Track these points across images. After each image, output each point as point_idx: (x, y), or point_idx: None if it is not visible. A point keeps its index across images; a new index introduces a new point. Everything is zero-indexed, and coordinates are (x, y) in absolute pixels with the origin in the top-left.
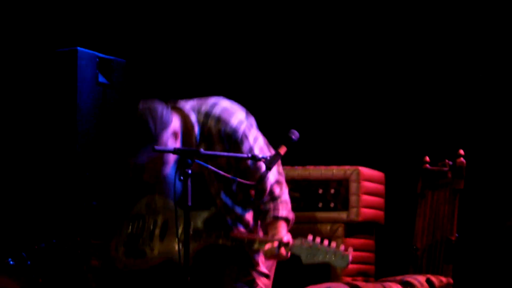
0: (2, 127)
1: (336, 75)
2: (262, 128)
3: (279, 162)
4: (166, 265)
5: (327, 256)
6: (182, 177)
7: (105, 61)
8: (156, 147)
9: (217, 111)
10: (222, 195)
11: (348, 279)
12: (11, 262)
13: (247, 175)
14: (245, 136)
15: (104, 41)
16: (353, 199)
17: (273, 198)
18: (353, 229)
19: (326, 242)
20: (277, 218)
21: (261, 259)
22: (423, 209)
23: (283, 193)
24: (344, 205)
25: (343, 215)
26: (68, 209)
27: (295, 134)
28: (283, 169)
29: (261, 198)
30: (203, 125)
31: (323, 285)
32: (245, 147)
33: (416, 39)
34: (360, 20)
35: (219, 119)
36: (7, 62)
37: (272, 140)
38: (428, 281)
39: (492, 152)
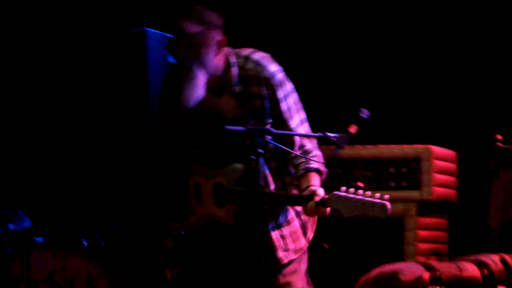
0: (78, 109)
1: (406, 55)
2: (331, 107)
3: (306, 120)
4: (211, 224)
5: (366, 207)
6: (253, 157)
7: (174, 41)
8: (227, 127)
9: (256, 56)
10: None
11: (422, 258)
12: (85, 243)
13: (279, 122)
14: (282, 82)
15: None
16: (425, 178)
17: (305, 151)
18: (426, 208)
19: (360, 192)
20: (309, 170)
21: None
22: (496, 187)
23: (315, 148)
24: (416, 184)
25: (415, 194)
26: (141, 190)
27: (365, 113)
28: (355, 148)
29: (292, 150)
30: (242, 67)
31: (397, 265)
32: (280, 94)
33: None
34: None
35: (258, 63)
36: (80, 45)
37: (343, 119)
38: (503, 260)
39: None
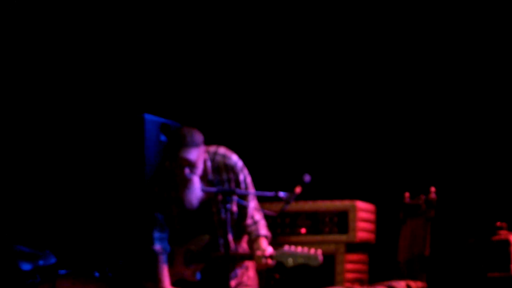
0: (89, 175)
1: (325, 117)
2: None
3: (255, 197)
4: (181, 283)
5: (303, 259)
6: (225, 210)
7: (165, 125)
8: (203, 188)
9: (221, 151)
10: (226, 222)
11: (348, 285)
12: (97, 274)
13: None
14: (242, 169)
15: (166, 109)
16: (351, 225)
17: (255, 221)
18: (352, 247)
19: (299, 248)
20: (259, 236)
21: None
22: (404, 232)
23: (262, 218)
24: (345, 229)
25: (344, 237)
26: (137, 238)
27: (307, 178)
28: (299, 204)
29: (244, 221)
30: (212, 159)
31: None
32: (241, 177)
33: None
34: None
35: (224, 155)
36: (88, 125)
37: (287, 181)
38: (408, 285)
39: (455, 190)
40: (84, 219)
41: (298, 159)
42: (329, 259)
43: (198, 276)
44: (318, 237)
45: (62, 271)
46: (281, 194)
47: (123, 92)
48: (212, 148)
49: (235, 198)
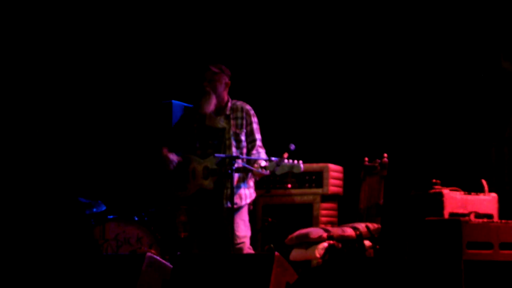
0: (132, 145)
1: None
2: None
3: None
4: (200, 191)
5: (289, 167)
6: (229, 171)
7: (187, 107)
8: (216, 155)
9: (240, 102)
10: (233, 147)
11: (323, 225)
12: (136, 218)
13: (249, 132)
14: (254, 115)
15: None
16: (325, 181)
17: (258, 152)
18: (325, 198)
19: (285, 160)
20: (259, 158)
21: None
22: (364, 186)
23: (263, 150)
24: (320, 184)
25: (320, 190)
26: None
27: (292, 146)
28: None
29: (250, 151)
30: (233, 103)
31: (307, 229)
32: (253, 119)
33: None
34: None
35: (243, 102)
36: (128, 109)
37: (277, 148)
38: (367, 226)
39: (402, 155)
40: (127, 177)
41: (285, 133)
42: (308, 207)
43: (213, 185)
44: (300, 190)
45: (110, 216)
46: (273, 158)
47: (159, 84)
48: (235, 100)
49: (239, 161)
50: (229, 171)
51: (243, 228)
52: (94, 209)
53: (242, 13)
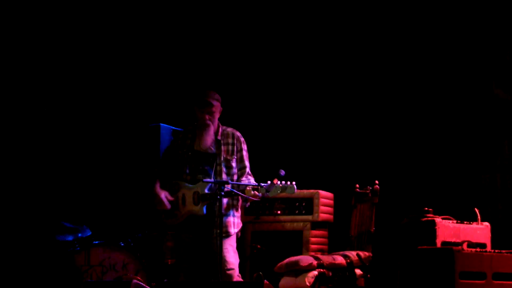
0: (118, 168)
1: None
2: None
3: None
4: (191, 217)
5: (282, 189)
6: (218, 196)
7: (175, 131)
8: (204, 180)
9: (230, 128)
10: (223, 174)
11: (313, 253)
12: (122, 244)
13: (239, 159)
14: (244, 142)
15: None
16: (315, 208)
17: (248, 179)
18: (316, 225)
19: (277, 181)
20: (250, 184)
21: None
22: (355, 213)
23: (252, 177)
24: (310, 211)
25: (310, 217)
26: (152, 217)
27: (282, 172)
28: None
29: (242, 176)
30: (224, 128)
31: (296, 257)
32: (243, 146)
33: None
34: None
35: (233, 129)
36: (113, 133)
37: (267, 174)
38: (358, 254)
39: (394, 183)
40: (112, 202)
41: (276, 159)
42: (298, 234)
43: (204, 211)
44: (290, 217)
45: (95, 242)
46: (263, 184)
47: (147, 108)
48: (226, 126)
49: (228, 186)
50: (218, 196)
51: (232, 255)
52: (80, 234)
53: (229, 36)
